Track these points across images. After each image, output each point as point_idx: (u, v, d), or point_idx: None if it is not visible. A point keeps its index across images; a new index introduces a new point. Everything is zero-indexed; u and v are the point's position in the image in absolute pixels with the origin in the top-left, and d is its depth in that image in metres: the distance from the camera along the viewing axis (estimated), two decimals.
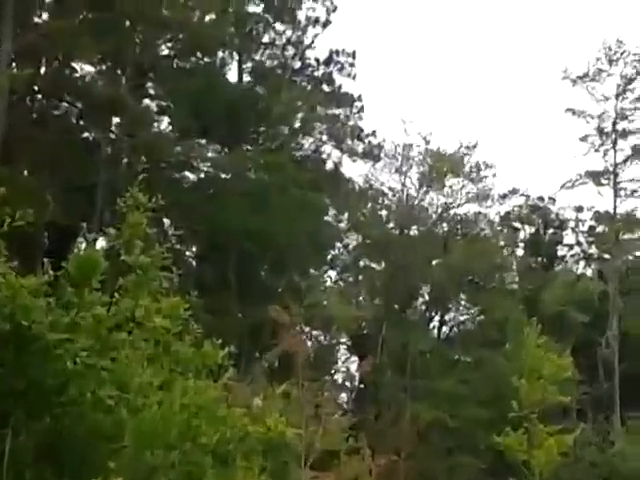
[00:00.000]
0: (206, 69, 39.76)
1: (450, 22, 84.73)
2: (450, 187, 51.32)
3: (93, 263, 8.33)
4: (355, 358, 48.57)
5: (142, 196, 9.55)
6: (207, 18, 38.31)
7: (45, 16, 34.67)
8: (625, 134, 65.40)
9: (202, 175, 40.38)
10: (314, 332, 42.55)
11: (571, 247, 66.42)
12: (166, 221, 37.28)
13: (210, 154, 40.31)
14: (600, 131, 65.34)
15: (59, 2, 35.47)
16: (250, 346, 36.55)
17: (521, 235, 62.81)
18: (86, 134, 37.63)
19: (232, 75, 41.83)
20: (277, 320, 31.17)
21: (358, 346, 46.94)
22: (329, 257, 47.75)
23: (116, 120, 36.20)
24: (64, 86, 34.92)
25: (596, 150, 64.99)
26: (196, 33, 36.96)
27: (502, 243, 55.81)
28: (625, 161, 64.85)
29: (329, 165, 45.23)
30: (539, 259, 62.76)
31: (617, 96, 65.19)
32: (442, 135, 49.93)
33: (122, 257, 9.12)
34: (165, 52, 38.78)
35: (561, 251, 66.18)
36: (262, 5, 42.20)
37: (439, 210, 51.32)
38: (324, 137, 44.85)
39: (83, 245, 34.19)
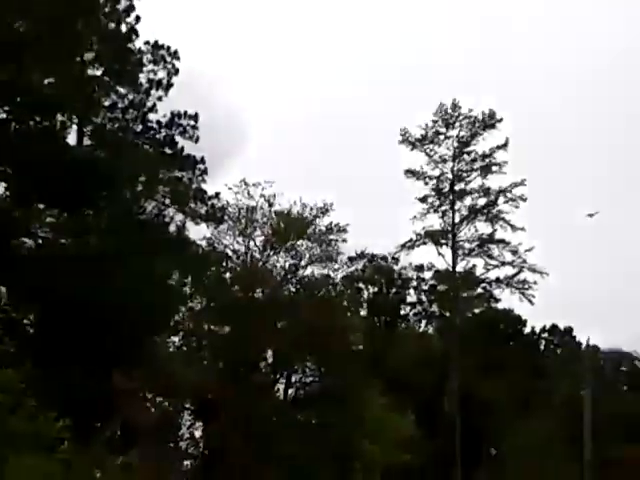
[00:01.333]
0: (45, 132, 38.95)
1: (295, 83, 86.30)
2: (295, 250, 51.74)
3: None
4: (200, 424, 47.98)
5: None
6: (46, 81, 37.62)
7: None
8: (462, 195, 67.77)
9: (40, 241, 39.34)
10: (157, 398, 41.89)
11: (413, 306, 67.98)
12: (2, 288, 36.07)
13: (49, 219, 39.37)
14: (438, 192, 67.49)
15: None
16: (91, 415, 35.59)
17: (365, 295, 63.91)
18: None
19: (72, 138, 41.16)
20: (119, 387, 30.60)
21: (203, 411, 46.43)
22: (173, 321, 47.15)
23: None
24: None
25: (435, 210, 67.16)
26: (35, 95, 36.24)
27: (346, 304, 56.47)
28: (462, 221, 67.13)
29: (172, 228, 44.93)
30: (383, 319, 63.91)
31: (454, 158, 67.61)
32: (290, 196, 50.18)
33: None
34: (2, 115, 37.80)
35: (404, 310, 67.65)
36: (103, 68, 41.85)
37: (284, 272, 51.61)
38: (167, 200, 44.59)
39: None
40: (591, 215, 62.47)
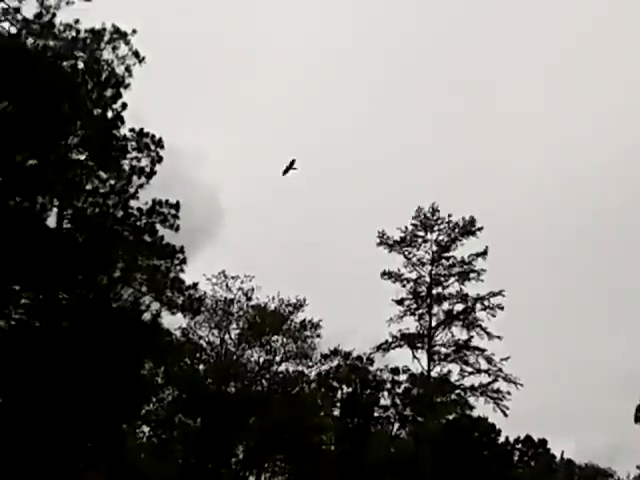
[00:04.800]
0: (24, 214, 38.66)
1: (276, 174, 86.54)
2: (270, 345, 51.33)
3: None
4: None
5: None
6: (29, 162, 37.54)
7: None
8: (439, 299, 67.60)
9: (13, 322, 38.71)
10: None
11: (387, 408, 67.14)
12: None
13: (24, 300, 38.83)
14: (416, 295, 67.32)
15: None
16: None
17: (338, 395, 63.10)
18: None
19: (52, 221, 40.86)
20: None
21: None
22: (143, 412, 46.26)
23: None
24: None
25: (412, 313, 66.82)
26: (16, 177, 36.10)
27: (320, 402, 55.75)
28: (439, 325, 66.83)
29: (147, 317, 44.34)
30: (355, 420, 62.99)
31: (432, 262, 67.68)
32: (268, 291, 50.08)
33: None
34: None
35: (377, 412, 66.78)
36: (86, 153, 41.86)
37: (258, 367, 51.06)
38: (144, 288, 44.13)
39: None
40: None
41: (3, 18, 36.49)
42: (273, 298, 51.07)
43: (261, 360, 50.86)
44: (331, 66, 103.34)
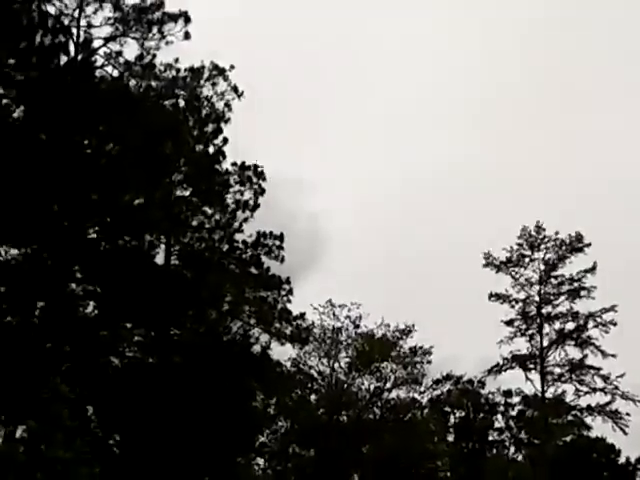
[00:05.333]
0: (134, 252, 39.33)
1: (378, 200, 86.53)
2: (380, 372, 50.98)
3: (11, 457, 7.67)
4: None
5: (64, 387, 9.00)
6: (135, 202, 38.19)
7: None
8: (550, 318, 66.22)
9: (127, 360, 39.36)
10: None
11: (501, 432, 66.01)
12: (89, 408, 35.89)
13: (136, 338, 39.47)
14: (525, 315, 66.09)
15: None
16: None
17: (451, 420, 62.33)
18: (8, 318, 36.53)
19: (160, 258, 41.50)
20: None
21: None
22: (257, 444, 46.41)
23: (41, 304, 35.31)
24: None
25: (522, 334, 65.52)
26: (124, 216, 36.75)
27: (433, 428, 55.08)
28: (551, 345, 65.40)
29: (257, 348, 44.57)
30: (470, 444, 62.10)
31: (540, 281, 66.39)
32: (375, 318, 49.89)
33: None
34: (93, 235, 38.34)
35: (491, 436, 65.72)
36: (190, 189, 42.41)
37: (369, 394, 50.75)
38: (252, 320, 44.36)
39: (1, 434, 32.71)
40: None
41: (106, 62, 37.27)
42: (380, 325, 50.79)
43: (372, 387, 50.60)
44: (430, 96, 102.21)
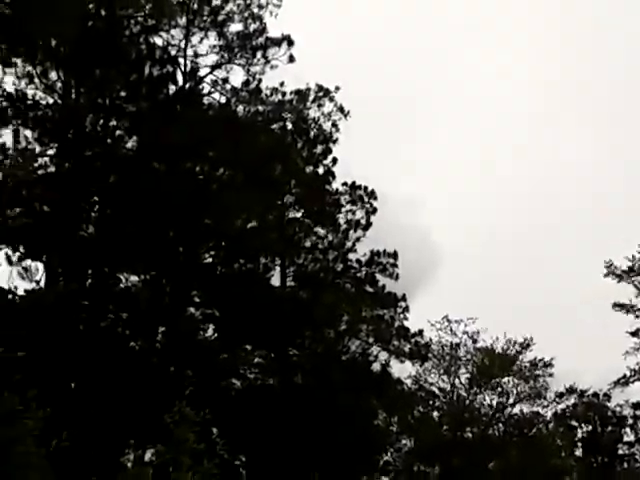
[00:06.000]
0: (249, 275, 39.82)
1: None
2: (501, 387, 50.32)
3: None
4: None
5: (189, 410, 9.18)
6: (248, 225, 38.72)
7: (91, 229, 35.03)
8: None
9: (249, 382, 39.78)
10: None
11: (632, 445, 64.19)
12: (214, 430, 36.33)
13: (257, 360, 39.89)
14: None
15: (103, 217, 36.01)
16: None
17: (578, 434, 60.93)
18: (132, 343, 37.34)
19: (276, 280, 41.93)
20: None
21: None
22: (381, 462, 46.23)
23: (162, 329, 36.01)
24: (110, 297, 34.97)
25: None
26: (238, 240, 37.29)
27: (559, 443, 53.96)
28: None
29: (376, 367, 44.47)
30: (599, 458, 60.58)
31: None
32: (492, 332, 49.26)
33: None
34: (208, 260, 38.99)
35: (621, 450, 63.97)
36: (302, 210, 42.78)
37: (492, 410, 50.10)
38: (370, 339, 44.31)
39: (131, 459, 33.42)
40: None
41: (213, 89, 38.04)
42: (498, 339, 50.17)
43: (494, 403, 49.96)
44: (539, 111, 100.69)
